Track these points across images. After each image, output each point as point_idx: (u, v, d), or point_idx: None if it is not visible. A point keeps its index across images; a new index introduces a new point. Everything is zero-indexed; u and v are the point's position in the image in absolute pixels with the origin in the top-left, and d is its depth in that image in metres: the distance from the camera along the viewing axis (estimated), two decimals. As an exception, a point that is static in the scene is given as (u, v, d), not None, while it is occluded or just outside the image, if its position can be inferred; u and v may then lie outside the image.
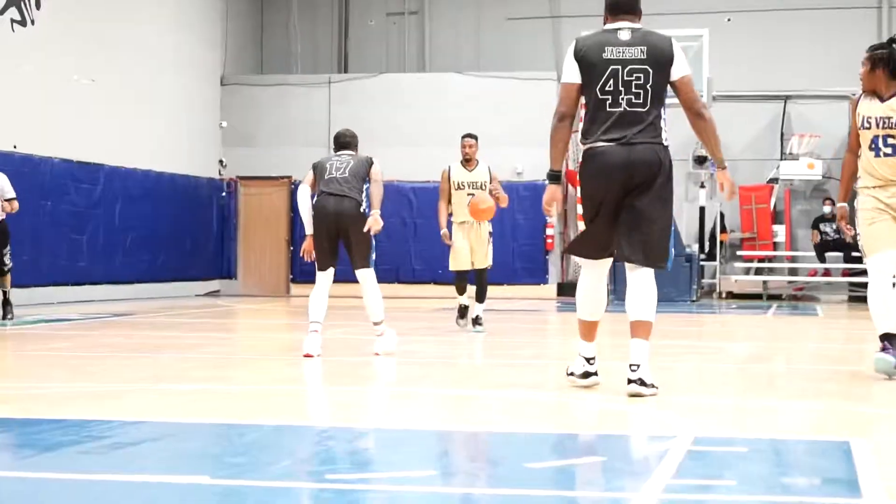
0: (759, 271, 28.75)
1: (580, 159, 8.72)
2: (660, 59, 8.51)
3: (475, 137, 15.37)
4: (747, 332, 17.55)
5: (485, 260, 14.93)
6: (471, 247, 14.83)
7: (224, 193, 28.95)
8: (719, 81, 25.92)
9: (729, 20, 28.82)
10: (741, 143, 29.40)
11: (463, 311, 15.13)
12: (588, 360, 8.80)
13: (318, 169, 11.74)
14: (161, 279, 26.08)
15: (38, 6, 22.01)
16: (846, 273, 28.05)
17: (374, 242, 11.53)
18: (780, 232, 28.73)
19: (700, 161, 28.34)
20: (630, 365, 8.30)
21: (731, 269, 28.60)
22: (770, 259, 28.76)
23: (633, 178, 8.38)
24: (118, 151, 24.58)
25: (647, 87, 8.47)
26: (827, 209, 27.93)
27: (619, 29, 8.54)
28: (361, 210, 11.33)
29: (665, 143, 8.62)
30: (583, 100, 8.57)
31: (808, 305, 25.73)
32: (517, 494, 5.25)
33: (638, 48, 8.47)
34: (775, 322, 20.02)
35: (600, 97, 8.43)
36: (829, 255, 27.98)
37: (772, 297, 27.97)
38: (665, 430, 7.03)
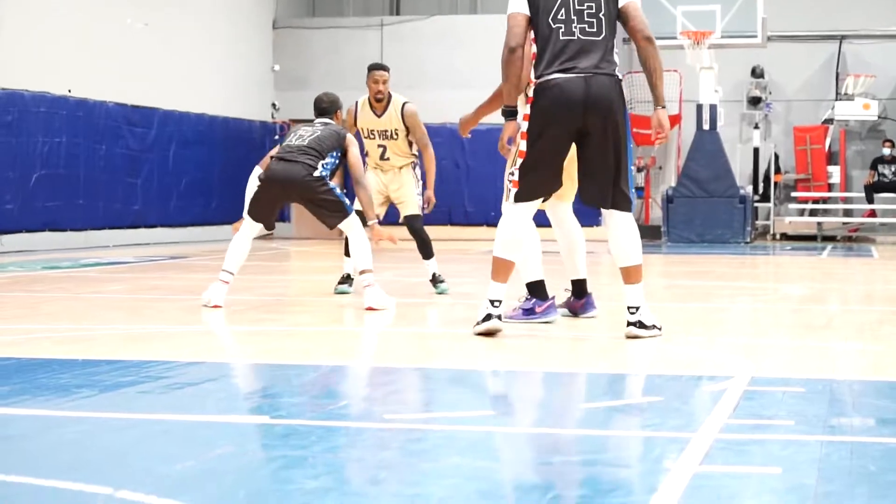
0: (813, 212, 28.63)
1: (531, 94, 8.38)
2: None
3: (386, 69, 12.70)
4: (802, 273, 17.47)
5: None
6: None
7: (277, 137, 28.90)
8: (773, 22, 25.72)
9: (782, -42, 28.55)
10: (796, 84, 29.26)
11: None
12: (494, 301, 8.28)
13: (283, 139, 11.23)
14: (215, 222, 26.13)
15: (90, -50, 22.02)
16: (902, 214, 27.91)
17: (338, 192, 10.93)
18: (835, 173, 28.59)
19: (754, 102, 28.20)
20: (628, 307, 8.21)
21: (785, 211, 28.50)
22: (825, 200, 28.62)
23: (593, 114, 8.10)
24: (171, 95, 24.65)
25: (601, 15, 8.19)
26: (886, 151, 27.75)
27: None
28: (315, 175, 10.63)
29: (620, 76, 8.36)
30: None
31: (862, 247, 25.59)
32: (576, 434, 5.27)
33: None
34: (830, 263, 19.92)
35: (553, 26, 8.17)
36: (884, 195, 27.83)
37: (826, 239, 27.84)
38: (721, 371, 7.02)
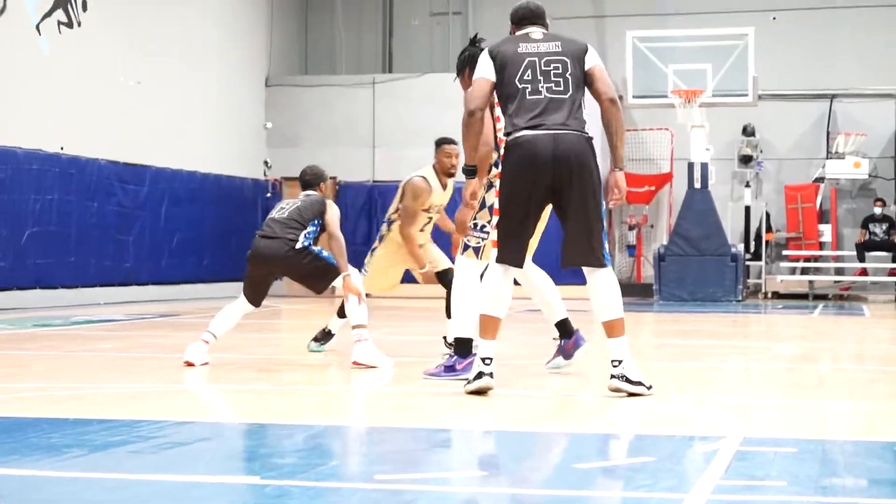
0: (804, 271, 28.68)
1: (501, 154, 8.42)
2: (574, 50, 8.30)
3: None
4: (793, 332, 17.50)
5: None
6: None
7: (269, 194, 29.00)
8: (764, 80, 25.86)
9: (774, 18, 28.76)
10: (787, 143, 29.39)
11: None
12: (485, 360, 8.25)
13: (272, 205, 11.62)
14: (206, 280, 26.17)
15: (84, 8, 22.14)
16: (893, 272, 27.97)
17: (324, 254, 10.81)
18: (826, 231, 28.67)
19: (746, 160, 28.32)
20: (612, 361, 8.18)
21: (776, 269, 28.55)
22: (816, 259, 28.68)
23: (561, 170, 8.06)
24: (164, 153, 24.71)
25: (567, 74, 8.21)
26: (878, 210, 27.85)
27: (530, 32, 8.43)
28: (297, 248, 10.72)
29: (589, 135, 8.26)
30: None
31: (854, 305, 25.63)
32: (567, 495, 5.26)
33: (552, 43, 8.31)
34: (821, 322, 19.95)
35: (519, 87, 8.19)
36: (875, 254, 27.92)
37: (818, 297, 27.88)
38: (713, 431, 7.02)
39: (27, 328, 15.76)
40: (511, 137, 8.15)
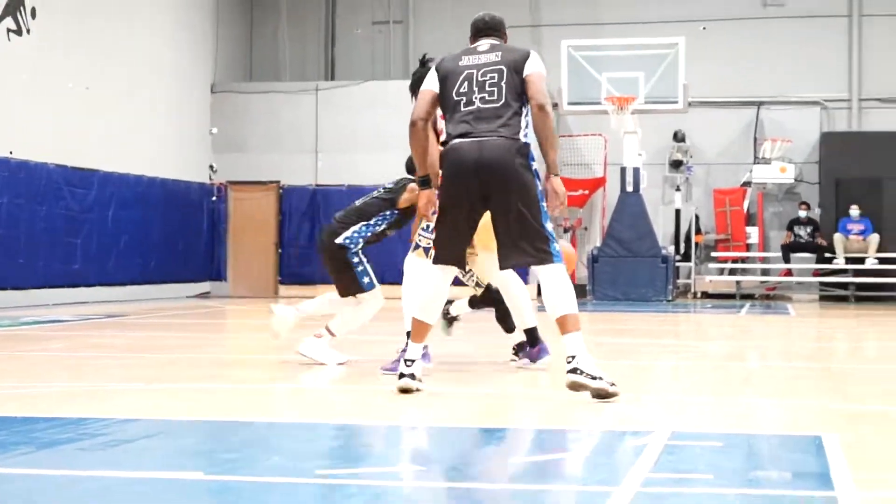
0: (732, 272, 28.84)
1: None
2: (514, 59, 8.22)
3: None
4: (721, 331, 17.60)
5: None
6: None
7: (214, 198, 28.90)
8: (695, 88, 25.97)
9: (704, 28, 28.89)
10: (716, 148, 29.55)
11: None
12: (407, 361, 8.23)
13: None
14: (153, 281, 26.05)
15: (33, 16, 21.97)
16: (817, 273, 28.17)
17: (358, 269, 10.62)
18: (753, 234, 28.84)
19: (676, 165, 28.45)
20: (566, 357, 7.88)
21: (705, 270, 28.68)
22: (743, 260, 28.84)
23: (487, 176, 7.98)
24: (111, 157, 24.54)
25: (501, 83, 8.14)
26: (802, 213, 28.05)
27: (478, 45, 8.40)
28: (337, 242, 10.49)
29: (523, 139, 8.12)
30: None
31: (780, 305, 25.79)
32: (503, 489, 5.28)
33: (493, 54, 8.25)
34: (748, 321, 20.07)
35: (455, 99, 8.18)
36: (800, 255, 28.12)
37: (745, 297, 28.05)
38: (643, 426, 7.05)
39: (-23, 329, 15.64)
40: (445, 147, 8.20)
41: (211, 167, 29.01)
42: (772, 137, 28.78)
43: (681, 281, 28.10)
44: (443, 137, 8.47)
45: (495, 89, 8.08)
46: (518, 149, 8.01)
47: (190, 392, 8.88)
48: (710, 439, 6.51)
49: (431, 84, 8.29)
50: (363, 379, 9.65)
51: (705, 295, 28.12)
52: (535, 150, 8.16)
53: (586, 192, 28.99)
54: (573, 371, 7.80)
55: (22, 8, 21.75)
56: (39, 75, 22.17)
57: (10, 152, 21.36)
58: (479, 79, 8.12)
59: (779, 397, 8.86)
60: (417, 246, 9.67)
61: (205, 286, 28.54)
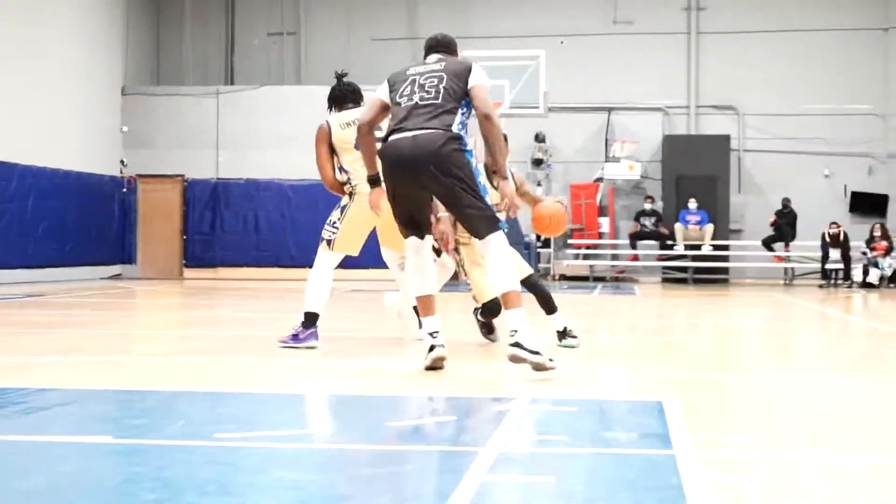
0: (586, 257, 29.07)
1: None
2: (455, 69, 7.96)
3: None
4: (577, 308, 17.70)
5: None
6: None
7: (125, 189, 28.55)
8: (554, 95, 26.12)
9: (562, 42, 29.06)
10: (572, 148, 29.75)
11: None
12: (432, 334, 8.01)
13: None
14: (69, 264, 25.68)
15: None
16: (660, 258, 28.51)
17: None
18: (605, 223, 29.12)
19: (538, 163, 28.60)
20: (509, 331, 7.60)
21: (563, 255, 28.87)
22: (596, 246, 29.09)
23: (420, 165, 7.66)
24: (30, 151, 24.17)
25: (440, 86, 7.86)
26: (647, 206, 28.39)
27: (429, 58, 8.20)
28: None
29: (455, 132, 7.77)
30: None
31: (627, 286, 26.07)
32: (382, 449, 5.27)
33: (438, 64, 8.03)
34: (600, 300, 20.24)
35: (398, 100, 7.94)
36: (645, 243, 28.47)
37: (597, 279, 28.31)
38: (505, 393, 7.08)
39: None
40: (383, 144, 7.92)
41: (122, 162, 28.64)
42: (621, 139, 29.08)
43: (542, 265, 28.28)
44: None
45: (433, 90, 7.83)
46: (449, 137, 7.69)
47: (101, 364, 8.76)
48: (565, 405, 6.55)
49: (381, 93, 8.10)
50: (260, 351, 9.58)
51: (563, 277, 28.34)
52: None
53: (458, 186, 29.02)
54: (515, 345, 7.54)
55: (-52, 16, 21.31)
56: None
57: (-62, 147, 20.95)
58: (421, 82, 7.90)
59: (625, 367, 8.95)
60: (322, 239, 9.58)
61: (116, 269, 28.20)
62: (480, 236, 7.77)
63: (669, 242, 28.15)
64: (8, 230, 23.52)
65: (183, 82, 30.41)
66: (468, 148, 7.82)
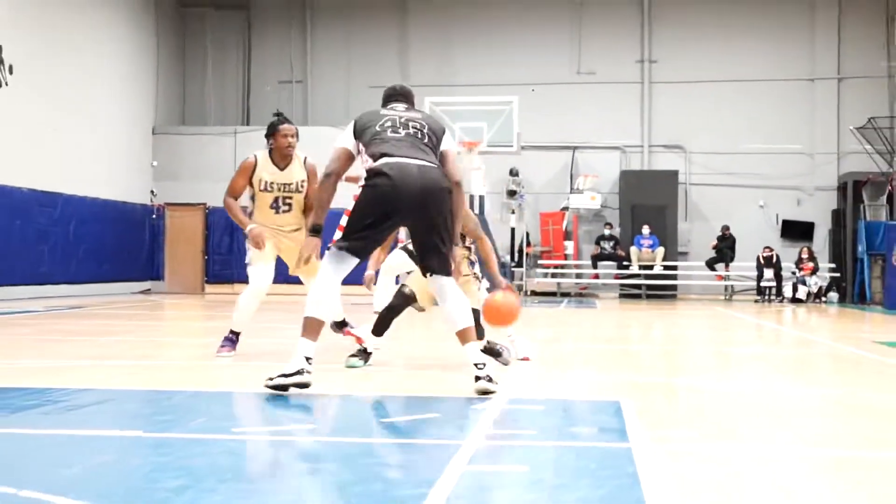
0: (554, 275, 29.06)
1: (366, 178, 6.92)
2: (434, 126, 7.21)
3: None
4: (545, 320, 17.70)
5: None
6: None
7: (154, 216, 28.52)
8: (526, 135, 26.24)
9: (533, 90, 29.14)
10: (542, 181, 29.80)
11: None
12: (308, 359, 6.89)
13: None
14: (106, 280, 25.63)
15: (10, 71, 21.53)
16: (617, 277, 28.53)
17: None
18: (570, 246, 29.16)
19: (511, 194, 28.61)
20: (476, 364, 6.96)
21: (533, 274, 28.88)
22: (562, 266, 29.10)
23: (425, 198, 6.82)
24: (73, 182, 24.16)
25: (426, 131, 7.10)
26: (607, 231, 28.43)
27: (395, 105, 7.38)
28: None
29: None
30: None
31: (589, 301, 26.06)
32: (377, 442, 5.25)
33: (414, 112, 7.26)
34: (565, 313, 20.24)
35: (379, 130, 7.01)
36: (605, 263, 28.49)
37: (563, 294, 28.31)
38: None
39: (-37, 317, 15.24)
40: (380, 162, 6.84)
41: (152, 192, 28.61)
42: (584, 174, 29.15)
43: (515, 282, 28.28)
44: (367, 165, 6.97)
45: (419, 132, 7.06)
46: (444, 176, 6.99)
47: (133, 367, 8.73)
48: (534, 404, 6.55)
49: (346, 141, 7.07)
50: (271, 357, 9.54)
51: (534, 293, 28.34)
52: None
53: (443, 213, 29.07)
54: (486, 378, 6.89)
55: (0, 65, 21.31)
56: (15, 118, 21.75)
57: (-8, 179, 20.94)
58: (404, 121, 7.10)
59: (587, 371, 8.94)
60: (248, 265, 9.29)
61: (147, 285, 28.12)
62: (441, 273, 7.04)
63: (626, 263, 28.17)
64: (54, 251, 23.50)
65: (205, 123, 30.40)
66: None
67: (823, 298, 26.45)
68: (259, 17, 31.24)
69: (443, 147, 7.18)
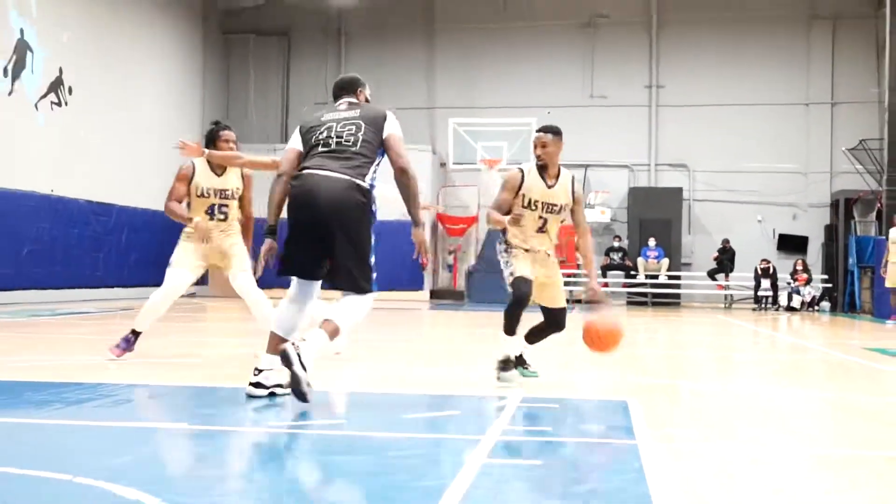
0: (567, 283, 28.98)
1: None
2: (371, 117, 6.51)
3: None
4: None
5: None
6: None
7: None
8: (542, 154, 26.14)
9: (549, 112, 29.05)
10: (556, 196, 29.71)
11: None
12: (266, 371, 6.50)
13: None
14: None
15: (70, 92, 21.69)
16: (625, 285, 28.45)
17: None
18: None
19: (528, 208, 28.54)
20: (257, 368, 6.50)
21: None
22: (575, 275, 29.05)
23: (327, 211, 6.14)
24: (124, 195, 24.24)
25: (359, 134, 6.40)
26: (616, 243, 28.35)
27: (339, 104, 6.72)
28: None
29: (366, 184, 6.28)
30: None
31: (598, 307, 25.95)
32: (402, 436, 5.25)
33: (353, 111, 6.56)
34: (577, 318, 20.12)
35: (313, 143, 6.44)
36: (614, 273, 28.41)
37: (576, 301, 28.22)
38: (500, 392, 7.05)
39: (24, 318, 15.30)
40: (295, 176, 6.34)
41: (198, 203, 28.69)
42: (595, 190, 29.08)
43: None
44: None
45: (352, 137, 6.40)
46: (358, 187, 6.21)
47: (178, 364, 8.75)
48: (549, 403, 6.53)
49: (295, 143, 6.54)
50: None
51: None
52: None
53: (465, 226, 29.04)
54: (255, 385, 6.38)
55: (61, 87, 21.47)
56: (73, 135, 21.88)
57: (52, 190, 20.99)
58: (338, 129, 6.45)
59: (597, 372, 8.92)
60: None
61: (192, 289, 28.15)
62: (344, 290, 6.30)
63: (633, 273, 28.08)
64: (108, 258, 23.60)
65: (247, 140, 30.40)
66: (374, 207, 6.38)
67: (816, 307, 26.32)
68: (297, 43, 31.33)
69: (385, 133, 6.49)
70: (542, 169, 8.28)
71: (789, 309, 25.95)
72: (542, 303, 8.36)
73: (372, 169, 6.36)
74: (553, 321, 8.36)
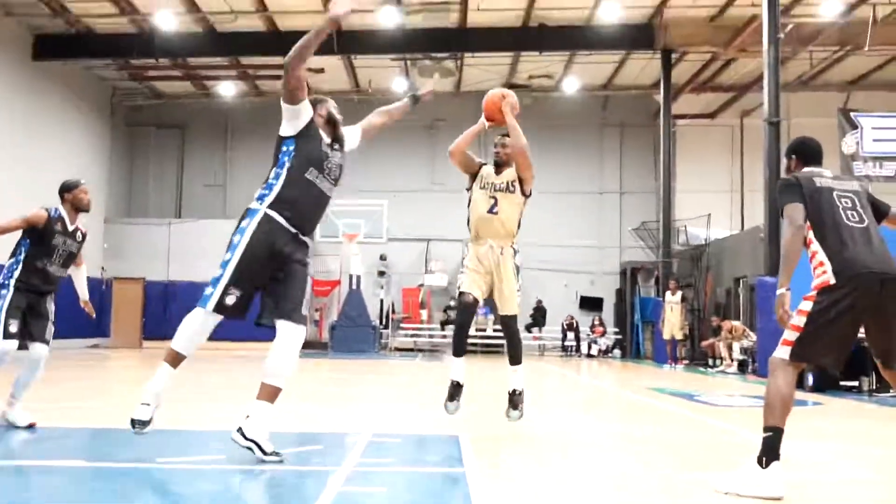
0: (411, 336, 28.98)
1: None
2: (346, 137, 5.98)
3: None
4: (404, 369, 17.59)
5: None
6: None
7: (104, 286, 27.56)
8: (392, 230, 26.29)
9: (395, 196, 29.26)
10: (404, 265, 29.76)
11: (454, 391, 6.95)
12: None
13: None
14: (64, 337, 24.54)
15: (-9, 173, 20.67)
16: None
17: None
18: (424, 314, 29.11)
19: (381, 274, 28.53)
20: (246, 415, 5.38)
21: (396, 335, 28.74)
22: (418, 329, 29.05)
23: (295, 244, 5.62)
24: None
25: (340, 158, 5.87)
26: (452, 303, 28.47)
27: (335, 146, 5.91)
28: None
29: (256, 205, 5.57)
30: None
31: (438, 355, 26.00)
32: (267, 469, 5.10)
33: (340, 150, 5.94)
34: (420, 364, 20.14)
35: (308, 178, 5.83)
36: (450, 327, 28.47)
37: (419, 350, 28.21)
38: (355, 429, 6.95)
39: None
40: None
41: (102, 268, 27.68)
42: (435, 259, 29.24)
43: (383, 341, 28.10)
44: None
45: (339, 168, 5.89)
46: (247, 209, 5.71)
47: (81, 407, 8.32)
48: (393, 437, 6.45)
49: None
50: (208, 395, 9.20)
51: (396, 349, 28.16)
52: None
53: (330, 288, 28.80)
54: (240, 431, 5.31)
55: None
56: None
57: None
58: (331, 167, 5.84)
59: (433, 409, 8.87)
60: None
61: (96, 340, 27.09)
62: (296, 323, 5.49)
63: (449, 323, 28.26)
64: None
65: (146, 215, 29.65)
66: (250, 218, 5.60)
67: (610, 354, 26.98)
68: (191, 135, 30.77)
69: (355, 129, 5.96)
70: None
71: (589, 356, 26.53)
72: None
73: (273, 182, 5.69)
74: (503, 326, 7.33)
